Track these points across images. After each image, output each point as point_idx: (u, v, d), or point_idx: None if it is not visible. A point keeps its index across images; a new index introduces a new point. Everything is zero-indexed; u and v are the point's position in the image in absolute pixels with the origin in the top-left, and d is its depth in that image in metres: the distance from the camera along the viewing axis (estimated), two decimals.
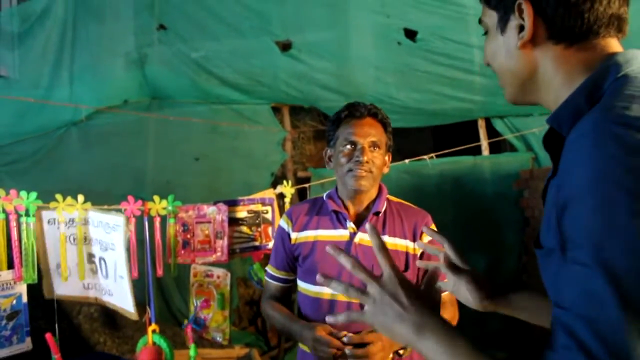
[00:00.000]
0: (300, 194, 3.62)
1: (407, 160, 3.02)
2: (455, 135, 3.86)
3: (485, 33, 0.77)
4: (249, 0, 3.22)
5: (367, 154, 1.40)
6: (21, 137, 3.16)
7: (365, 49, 3.34)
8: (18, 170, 3.12)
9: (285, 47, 3.43)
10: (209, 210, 2.11)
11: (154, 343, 1.85)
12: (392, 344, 1.30)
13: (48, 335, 1.72)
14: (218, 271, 2.17)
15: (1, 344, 1.72)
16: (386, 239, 1.42)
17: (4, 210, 1.71)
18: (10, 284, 1.75)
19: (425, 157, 3.06)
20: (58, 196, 1.80)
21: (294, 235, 1.51)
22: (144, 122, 3.64)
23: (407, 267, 1.43)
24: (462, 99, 3.50)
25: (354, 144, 1.42)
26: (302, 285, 1.50)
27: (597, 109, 0.59)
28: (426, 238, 1.41)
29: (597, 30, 0.66)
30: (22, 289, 1.78)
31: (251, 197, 2.28)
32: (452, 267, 0.94)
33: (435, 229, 1.40)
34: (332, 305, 1.41)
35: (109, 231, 1.81)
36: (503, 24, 0.71)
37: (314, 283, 1.44)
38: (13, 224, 1.72)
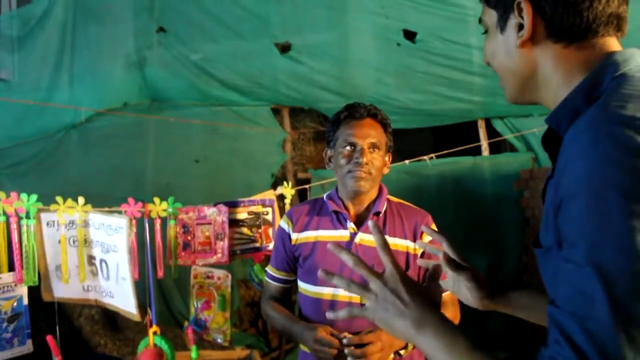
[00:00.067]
0: (301, 195, 3.63)
1: (407, 161, 3.02)
2: (455, 135, 3.86)
3: (485, 32, 0.78)
4: (248, 2, 3.22)
5: (367, 156, 1.40)
6: (21, 140, 3.16)
7: (364, 50, 3.34)
8: (18, 173, 3.12)
9: (285, 48, 3.44)
10: (210, 211, 2.11)
11: (155, 345, 1.85)
12: (392, 345, 1.30)
13: (49, 338, 1.72)
14: (219, 272, 2.17)
15: (2, 347, 1.72)
16: (387, 239, 1.42)
17: (4, 213, 1.71)
18: (11, 287, 1.75)
19: (425, 157, 3.06)
20: (58, 198, 1.81)
21: (294, 236, 1.51)
22: (144, 124, 3.65)
23: (407, 267, 1.43)
24: (461, 99, 3.50)
25: (353, 145, 1.42)
26: (302, 285, 1.50)
27: (594, 108, 0.59)
28: (426, 238, 1.41)
29: (596, 29, 0.66)
30: (22, 291, 1.78)
31: (251, 198, 2.28)
32: (452, 265, 0.94)
33: (436, 229, 1.41)
34: (332, 306, 1.41)
35: (112, 233, 1.81)
36: (503, 23, 0.72)
37: (315, 283, 1.44)
38: (14, 226, 1.73)
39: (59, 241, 1.84)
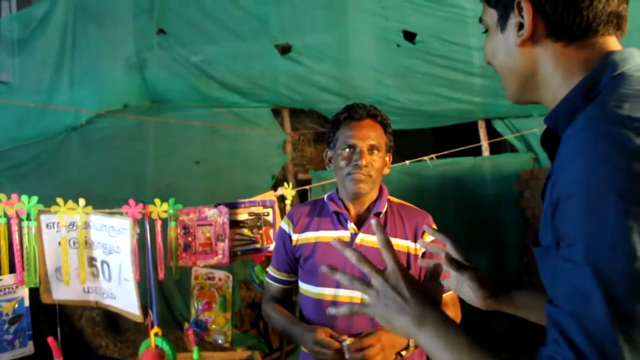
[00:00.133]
0: (301, 196, 3.62)
1: (407, 162, 3.02)
2: (456, 136, 3.87)
3: (486, 31, 0.78)
4: (248, 4, 3.22)
5: (366, 158, 1.40)
6: (22, 142, 3.16)
7: (364, 51, 3.35)
8: (19, 175, 3.13)
9: (285, 50, 3.44)
10: (210, 212, 2.11)
11: (157, 346, 1.85)
12: (393, 345, 1.30)
13: (50, 339, 1.72)
14: (219, 274, 2.17)
15: (3, 348, 1.72)
16: None
17: (5, 215, 1.71)
18: (12, 288, 1.75)
19: (425, 158, 3.06)
20: (59, 200, 1.81)
21: (295, 237, 1.51)
22: (144, 125, 3.65)
23: (408, 267, 1.43)
24: (461, 100, 3.50)
25: (352, 147, 1.42)
26: (303, 286, 1.50)
27: (591, 107, 0.60)
28: (428, 238, 1.41)
29: (596, 28, 0.66)
30: (24, 293, 1.78)
31: (252, 199, 2.28)
32: (455, 264, 0.94)
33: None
34: (333, 306, 1.41)
35: (114, 234, 1.81)
36: (503, 22, 0.72)
37: (316, 284, 1.44)
38: (14, 228, 1.73)
39: (60, 243, 1.84)
